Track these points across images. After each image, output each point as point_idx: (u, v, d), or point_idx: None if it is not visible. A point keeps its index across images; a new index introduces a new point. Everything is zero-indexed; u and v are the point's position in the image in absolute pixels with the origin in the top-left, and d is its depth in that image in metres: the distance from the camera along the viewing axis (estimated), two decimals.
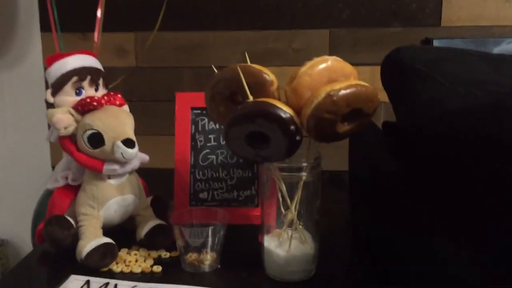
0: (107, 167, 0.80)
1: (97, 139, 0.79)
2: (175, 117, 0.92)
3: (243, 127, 0.67)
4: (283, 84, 0.70)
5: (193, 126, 0.92)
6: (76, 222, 0.81)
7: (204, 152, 0.92)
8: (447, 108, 0.64)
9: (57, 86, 0.80)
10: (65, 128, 0.79)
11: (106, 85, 0.86)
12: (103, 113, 0.80)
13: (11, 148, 1.35)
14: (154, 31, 1.24)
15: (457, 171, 0.59)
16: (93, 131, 0.78)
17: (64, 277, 0.74)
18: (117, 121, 0.80)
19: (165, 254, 0.81)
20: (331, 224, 0.96)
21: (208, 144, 0.92)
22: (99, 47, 1.06)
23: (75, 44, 1.41)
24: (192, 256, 0.76)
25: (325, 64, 0.67)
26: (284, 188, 0.73)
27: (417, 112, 0.72)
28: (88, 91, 0.82)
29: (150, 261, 0.79)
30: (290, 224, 0.74)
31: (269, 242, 0.75)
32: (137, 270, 0.76)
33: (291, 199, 0.73)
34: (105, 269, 0.77)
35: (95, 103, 0.79)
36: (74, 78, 0.80)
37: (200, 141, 0.91)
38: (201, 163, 0.91)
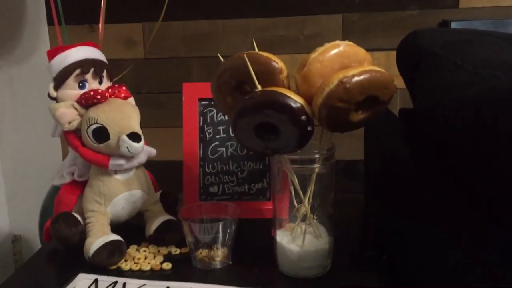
0: (113, 162, 0.77)
1: (102, 134, 0.76)
2: (182, 109, 0.89)
3: (252, 118, 0.64)
4: (295, 72, 0.66)
5: (201, 118, 0.89)
6: (84, 218, 0.79)
7: (213, 144, 0.89)
8: (470, 93, 0.60)
9: (59, 80, 0.78)
10: (69, 122, 0.77)
11: (110, 78, 0.83)
12: (108, 106, 0.77)
13: (22, 143, 1.34)
14: (159, 21, 1.21)
15: (479, 160, 0.56)
16: (98, 125, 0.76)
17: (72, 276, 0.72)
18: (122, 115, 0.77)
19: (175, 251, 0.79)
20: (347, 215, 0.93)
21: (217, 136, 0.89)
22: (102, 38, 1.03)
23: (83, 37, 1.39)
24: (202, 253, 0.74)
25: (337, 49, 0.63)
26: (296, 181, 0.70)
27: (437, 98, 0.68)
28: (92, 84, 0.79)
29: (159, 258, 0.76)
30: (304, 218, 0.71)
31: (282, 237, 0.72)
32: (147, 267, 0.74)
33: (304, 192, 0.70)
34: (114, 267, 0.75)
35: (99, 96, 0.77)
36: (77, 71, 0.78)
37: (209, 133, 0.88)
38: (210, 156, 0.88)
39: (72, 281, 0.71)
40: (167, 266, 0.74)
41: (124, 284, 0.70)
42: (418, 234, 0.64)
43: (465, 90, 0.61)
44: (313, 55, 0.64)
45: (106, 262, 0.73)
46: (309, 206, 0.70)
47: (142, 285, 0.70)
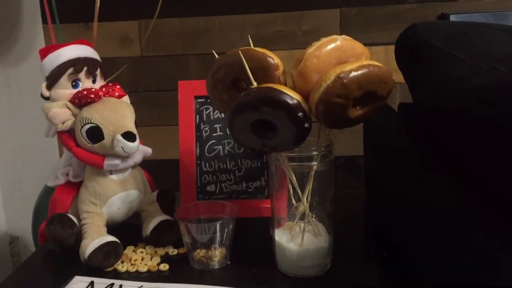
0: (108, 162, 0.76)
1: (96, 133, 0.75)
2: (178, 107, 0.87)
3: (248, 116, 0.62)
4: (291, 68, 0.65)
5: (198, 116, 0.87)
6: (79, 220, 0.78)
7: (210, 142, 0.87)
8: (470, 86, 0.59)
9: (52, 79, 0.76)
10: (63, 122, 0.76)
11: (104, 76, 0.82)
12: (101, 105, 0.76)
13: (19, 144, 1.33)
14: (154, 18, 1.19)
15: (480, 153, 0.55)
16: (91, 125, 0.75)
17: (68, 278, 0.71)
18: (116, 114, 0.76)
19: (172, 251, 0.77)
20: (346, 212, 0.92)
21: (214, 134, 0.87)
22: (96, 36, 1.02)
23: (78, 35, 1.38)
24: (200, 253, 0.73)
25: (333, 44, 0.62)
26: (294, 179, 0.68)
27: (436, 92, 0.67)
28: (85, 83, 0.78)
29: (156, 259, 0.75)
30: (302, 217, 0.70)
31: (280, 236, 0.71)
32: (143, 269, 0.73)
33: (302, 190, 0.68)
34: (110, 268, 0.73)
35: (92, 96, 0.75)
36: (70, 70, 0.76)
37: (206, 131, 0.87)
38: (207, 155, 0.87)
39: (68, 284, 0.70)
40: (164, 267, 0.73)
41: (121, 286, 0.69)
42: (419, 230, 0.63)
43: (465, 83, 0.60)
44: (310, 50, 0.62)
45: (102, 264, 0.72)
46: (308, 204, 0.69)
47: (139, 287, 0.68)
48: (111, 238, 0.74)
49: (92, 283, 0.70)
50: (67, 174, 0.81)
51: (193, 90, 0.87)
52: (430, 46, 0.74)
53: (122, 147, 0.74)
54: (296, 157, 0.67)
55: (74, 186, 0.81)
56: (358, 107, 0.62)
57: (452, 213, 0.56)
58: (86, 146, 0.76)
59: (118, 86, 0.80)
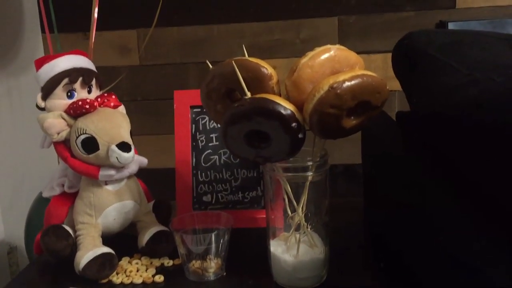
0: (103, 173, 0.75)
1: (91, 144, 0.74)
2: (174, 117, 0.87)
3: (241, 126, 0.62)
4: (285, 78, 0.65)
5: (194, 126, 0.87)
6: (75, 231, 0.78)
7: (206, 152, 0.87)
8: (465, 96, 0.59)
9: (47, 90, 0.76)
10: (58, 133, 0.76)
11: (100, 86, 0.82)
12: (97, 116, 0.76)
13: (20, 153, 1.32)
14: (152, 27, 1.19)
15: (477, 157, 0.54)
16: (87, 135, 0.74)
17: None
18: (112, 124, 0.76)
19: (168, 262, 0.77)
20: (344, 221, 0.91)
21: (210, 144, 0.87)
22: (93, 47, 1.02)
23: (77, 44, 1.38)
24: (195, 264, 0.72)
25: (327, 54, 0.62)
26: (289, 189, 0.68)
27: (432, 101, 0.67)
28: (81, 93, 0.78)
29: (152, 271, 0.74)
30: (298, 227, 0.69)
31: (276, 247, 0.71)
32: (138, 280, 0.72)
33: (298, 200, 0.68)
34: (105, 280, 0.73)
35: (87, 106, 0.75)
36: (65, 80, 0.76)
37: (202, 141, 0.87)
38: (203, 164, 0.87)
39: None
40: (159, 278, 0.73)
41: None
42: (418, 235, 0.63)
43: (460, 93, 0.60)
44: (303, 60, 0.62)
45: (96, 275, 0.72)
46: (303, 214, 0.68)
47: None
48: (106, 250, 0.74)
49: None
50: (63, 185, 0.80)
51: (189, 100, 0.87)
52: (426, 55, 0.74)
53: (117, 157, 0.74)
54: (291, 168, 0.67)
55: (70, 197, 0.80)
56: (352, 117, 0.61)
57: (451, 217, 0.56)
58: (81, 157, 0.76)
59: (113, 96, 0.80)
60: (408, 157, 0.73)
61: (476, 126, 0.55)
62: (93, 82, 0.79)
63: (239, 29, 1.35)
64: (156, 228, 0.80)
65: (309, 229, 0.70)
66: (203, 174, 0.87)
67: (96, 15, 1.01)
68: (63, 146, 0.77)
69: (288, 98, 0.63)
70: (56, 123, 0.75)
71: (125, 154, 0.74)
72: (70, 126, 0.76)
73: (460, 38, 0.79)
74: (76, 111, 0.75)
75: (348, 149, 1.25)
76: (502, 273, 0.49)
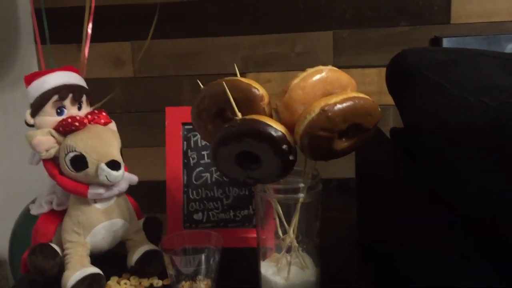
0: (92, 191, 0.74)
1: (80, 162, 0.73)
2: (165, 134, 0.86)
3: (231, 147, 0.61)
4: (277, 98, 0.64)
5: (185, 143, 0.86)
6: (63, 249, 0.77)
7: (197, 170, 0.86)
8: (455, 119, 0.58)
9: (36, 106, 0.75)
10: (47, 150, 0.75)
11: (90, 103, 0.81)
12: (86, 133, 0.75)
13: (14, 167, 1.31)
14: (148, 39, 1.19)
15: (466, 184, 0.54)
16: (76, 153, 0.73)
17: None
18: (101, 142, 0.75)
19: (157, 283, 0.76)
20: (336, 237, 0.90)
21: (202, 162, 0.86)
22: (83, 62, 1.00)
23: (70, 56, 1.37)
24: (185, 285, 0.71)
25: (319, 75, 0.61)
26: (280, 211, 0.67)
27: (422, 121, 0.66)
28: (71, 110, 0.77)
29: None
30: (289, 249, 0.68)
31: (267, 269, 0.70)
32: None
33: (289, 221, 0.67)
34: None
35: (77, 123, 0.74)
36: (55, 97, 0.75)
37: (193, 159, 0.86)
38: (194, 182, 0.86)
39: None
40: None
41: None
42: (410, 259, 0.62)
43: (453, 115, 0.59)
44: (295, 81, 0.61)
45: None
46: (294, 236, 0.67)
47: None
48: (94, 270, 0.73)
49: None
50: (51, 202, 0.79)
51: (181, 116, 0.86)
52: (419, 74, 0.73)
53: (106, 176, 0.73)
54: (282, 189, 0.66)
55: (58, 215, 0.79)
56: (344, 139, 0.61)
57: (445, 237, 0.56)
58: (70, 175, 0.75)
59: (104, 113, 0.79)
60: (400, 175, 0.73)
61: (469, 150, 0.55)
62: (84, 98, 0.78)
63: (233, 42, 1.35)
64: (145, 247, 0.79)
65: (300, 251, 0.69)
66: (194, 192, 0.86)
67: (90, 30, 1.00)
68: (52, 163, 0.76)
69: (279, 119, 0.62)
70: (45, 140, 0.74)
71: (115, 173, 0.73)
72: (59, 143, 0.75)
73: (453, 57, 0.78)
74: (65, 128, 0.74)
75: (342, 163, 1.23)
76: None
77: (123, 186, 0.78)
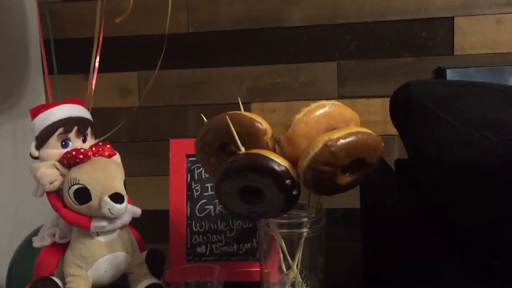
0: (95, 224, 0.74)
1: (83, 194, 0.73)
2: (169, 165, 0.86)
3: (235, 182, 0.61)
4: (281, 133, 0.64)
5: (189, 175, 0.86)
6: (64, 283, 0.76)
7: (201, 202, 0.86)
8: (459, 154, 0.58)
9: (41, 139, 0.75)
10: (51, 183, 0.75)
11: (95, 135, 0.81)
12: (90, 166, 0.75)
13: (22, 196, 1.31)
14: (156, 69, 1.20)
15: (471, 218, 0.54)
16: (79, 185, 0.73)
17: None
18: (105, 174, 0.75)
19: None
20: (342, 268, 0.89)
21: (205, 194, 0.86)
22: (90, 94, 1.01)
23: (77, 86, 1.38)
24: None
25: (322, 110, 0.61)
26: (284, 246, 0.66)
27: (426, 154, 0.66)
28: (75, 142, 0.77)
29: None
30: (293, 284, 0.67)
31: None
32: None
33: (293, 256, 0.66)
34: None
35: (81, 156, 0.74)
36: (60, 130, 0.75)
37: (197, 191, 0.86)
38: (198, 214, 0.85)
39: None
40: None
41: None
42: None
43: (455, 150, 0.59)
44: (298, 116, 0.61)
45: None
46: (298, 271, 0.66)
47: None
48: None
49: None
50: (54, 235, 0.79)
51: (185, 148, 0.87)
52: (422, 107, 0.74)
53: (109, 209, 0.73)
54: (285, 224, 0.66)
55: (61, 248, 0.79)
56: (347, 174, 0.61)
57: (450, 269, 0.55)
58: (73, 207, 0.75)
59: (108, 146, 0.79)
60: (404, 207, 0.72)
61: (473, 186, 0.55)
62: (88, 131, 0.79)
63: (238, 72, 1.36)
64: (148, 280, 0.78)
65: (304, 286, 0.68)
66: (198, 224, 0.85)
67: (97, 64, 1.01)
68: (55, 196, 0.76)
69: (283, 154, 0.62)
70: (49, 173, 0.74)
71: (118, 206, 0.73)
72: (63, 175, 0.75)
73: (458, 90, 0.79)
74: (69, 161, 0.75)
75: (347, 193, 1.23)
76: None
77: (126, 219, 0.77)
